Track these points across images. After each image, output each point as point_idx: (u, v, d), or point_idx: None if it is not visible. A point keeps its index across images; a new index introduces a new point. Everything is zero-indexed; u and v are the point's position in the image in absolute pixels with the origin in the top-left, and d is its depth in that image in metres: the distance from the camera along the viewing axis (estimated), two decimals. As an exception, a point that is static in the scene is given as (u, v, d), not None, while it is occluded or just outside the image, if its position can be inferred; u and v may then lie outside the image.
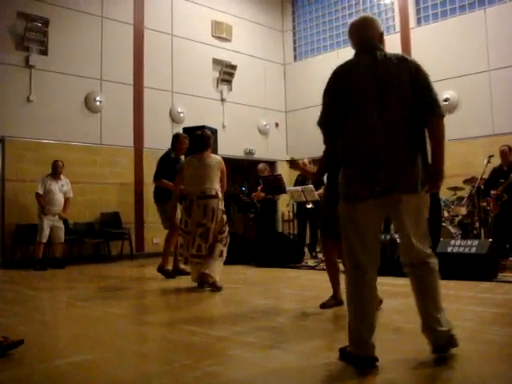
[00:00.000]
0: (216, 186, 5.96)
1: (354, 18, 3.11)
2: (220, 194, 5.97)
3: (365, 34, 2.94)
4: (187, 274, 6.82)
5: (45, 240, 8.77)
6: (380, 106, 2.72)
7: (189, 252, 5.83)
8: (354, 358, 2.71)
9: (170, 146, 7.51)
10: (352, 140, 2.77)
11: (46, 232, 8.77)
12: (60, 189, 9.05)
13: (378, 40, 2.94)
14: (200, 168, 5.98)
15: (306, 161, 4.56)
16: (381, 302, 4.50)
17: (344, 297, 4.55)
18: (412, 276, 2.86)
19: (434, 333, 2.77)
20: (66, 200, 9.16)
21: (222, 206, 5.97)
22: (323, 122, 2.90)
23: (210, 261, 5.76)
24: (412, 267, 2.84)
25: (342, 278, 4.56)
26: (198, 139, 6.16)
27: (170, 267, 7.10)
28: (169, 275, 6.95)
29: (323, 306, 4.46)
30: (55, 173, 9.09)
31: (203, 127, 9.77)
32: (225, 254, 5.95)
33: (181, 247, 6.07)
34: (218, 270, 5.79)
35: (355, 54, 2.96)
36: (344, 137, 2.81)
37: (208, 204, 5.82)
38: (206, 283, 5.72)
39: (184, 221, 5.93)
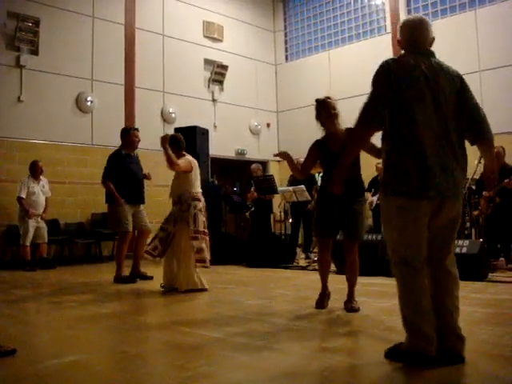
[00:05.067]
0: None
1: (409, 16, 3.04)
2: None
3: (420, 36, 2.89)
4: (147, 277, 6.86)
5: (29, 243, 8.61)
6: (435, 113, 2.72)
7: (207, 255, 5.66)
8: (412, 355, 2.68)
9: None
10: (410, 144, 2.71)
11: (31, 234, 8.61)
12: (42, 190, 8.85)
13: (430, 45, 2.91)
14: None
15: (300, 160, 4.55)
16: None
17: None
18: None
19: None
20: (46, 200, 8.95)
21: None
22: (371, 110, 2.77)
23: None
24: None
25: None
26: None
27: (127, 273, 6.91)
28: (127, 281, 6.69)
29: (320, 307, 4.43)
30: (36, 174, 8.80)
31: (195, 127, 9.82)
32: None
33: (198, 252, 5.58)
34: None
35: (405, 54, 2.90)
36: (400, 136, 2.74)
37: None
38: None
39: (202, 222, 5.72)
